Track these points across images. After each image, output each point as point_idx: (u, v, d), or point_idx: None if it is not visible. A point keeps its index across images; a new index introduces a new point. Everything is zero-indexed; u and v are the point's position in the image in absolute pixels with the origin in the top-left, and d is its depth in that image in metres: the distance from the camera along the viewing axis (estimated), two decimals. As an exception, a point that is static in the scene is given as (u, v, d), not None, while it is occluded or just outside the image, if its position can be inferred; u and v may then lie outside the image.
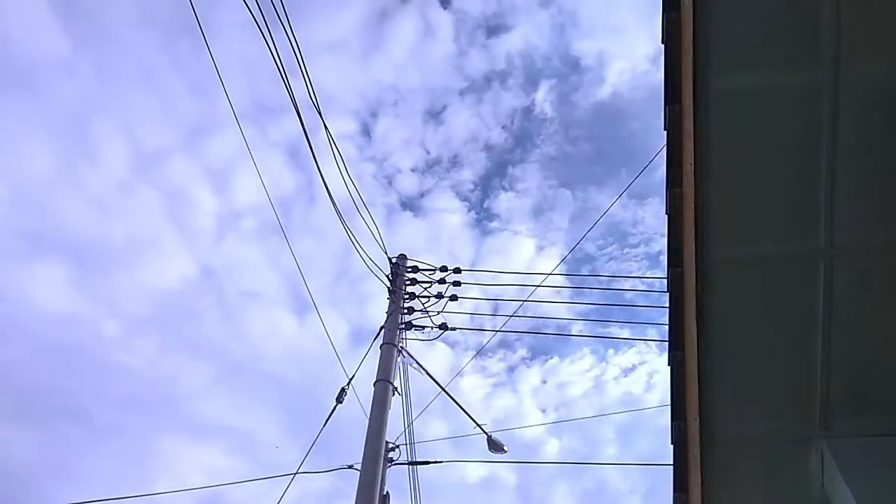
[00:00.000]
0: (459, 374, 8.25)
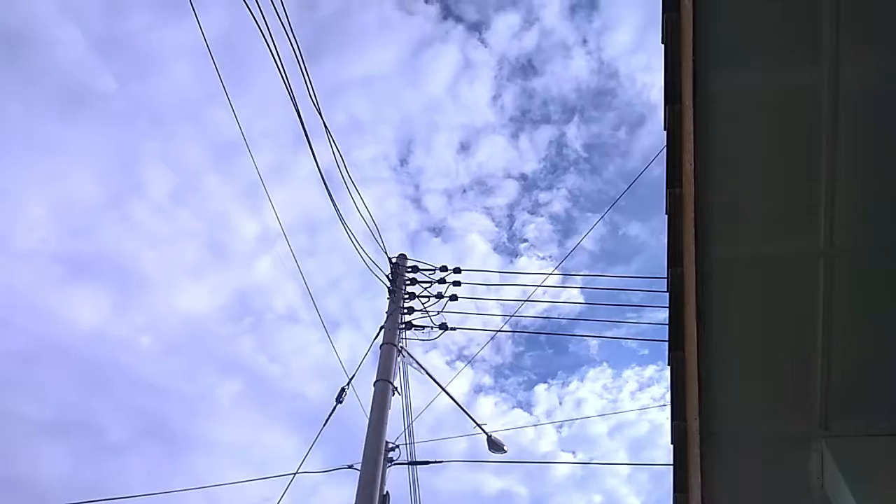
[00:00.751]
0: (459, 373, 8.24)
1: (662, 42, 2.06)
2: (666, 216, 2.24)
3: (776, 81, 1.93)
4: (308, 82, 6.09)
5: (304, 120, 6.13)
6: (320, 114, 6.43)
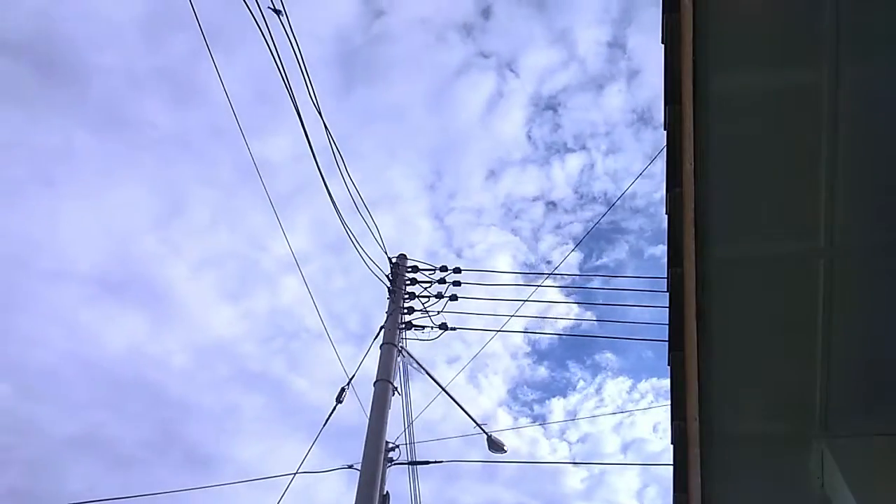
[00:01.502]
0: (460, 373, 8.24)
1: (662, 42, 2.06)
2: (666, 216, 2.24)
3: (776, 81, 1.93)
4: (308, 82, 6.09)
5: (303, 120, 6.13)
6: (320, 114, 6.43)
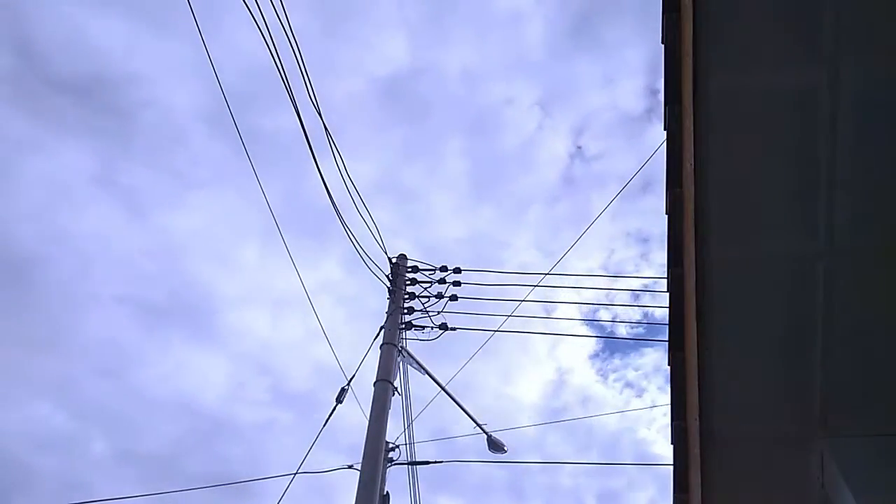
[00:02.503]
0: (459, 373, 8.24)
1: (662, 42, 2.06)
2: (666, 216, 2.24)
3: (776, 81, 1.93)
4: (308, 82, 6.09)
5: (299, 115, 6.13)
6: (320, 114, 6.43)
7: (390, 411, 7.05)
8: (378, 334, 7.73)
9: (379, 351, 7.55)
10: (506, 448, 7.94)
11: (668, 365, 2.41)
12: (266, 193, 7.02)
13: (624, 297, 8.28)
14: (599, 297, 8.37)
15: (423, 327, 8.13)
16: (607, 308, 8.42)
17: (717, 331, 2.23)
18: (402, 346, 7.77)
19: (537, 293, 8.27)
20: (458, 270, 8.58)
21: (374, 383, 7.22)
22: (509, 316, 8.28)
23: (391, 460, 7.13)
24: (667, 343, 2.41)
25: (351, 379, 7.49)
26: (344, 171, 7.15)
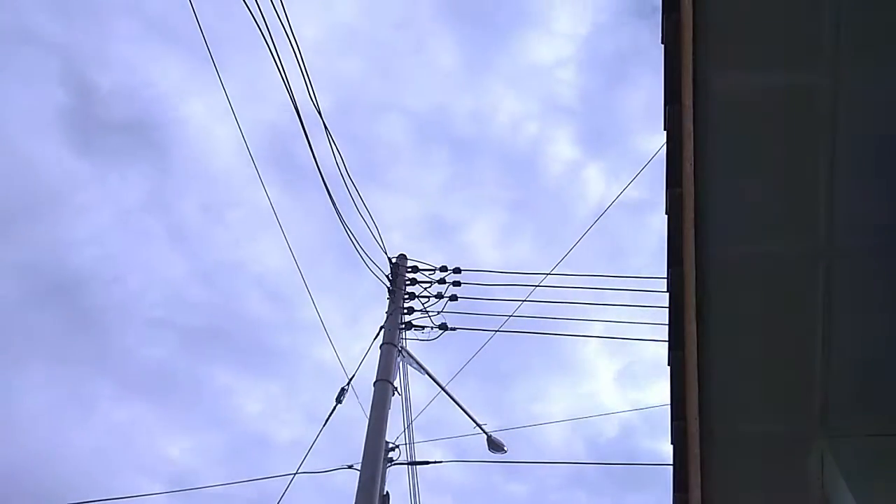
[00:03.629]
0: (459, 373, 8.24)
1: (662, 42, 2.06)
2: (666, 216, 2.24)
3: (776, 81, 1.93)
4: (307, 79, 6.09)
5: (299, 114, 6.13)
6: (320, 114, 6.43)
7: (390, 411, 7.05)
8: (378, 334, 7.73)
9: (379, 351, 7.55)
10: (506, 448, 7.94)
11: (668, 365, 2.42)
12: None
13: (624, 297, 8.27)
14: (600, 296, 8.36)
15: (423, 327, 8.13)
16: (607, 308, 8.41)
17: (717, 331, 2.23)
18: (401, 346, 7.77)
19: (538, 293, 8.27)
20: (457, 270, 8.58)
21: (374, 383, 7.22)
22: (510, 316, 8.28)
23: (391, 460, 7.14)
24: (667, 343, 2.41)
25: (351, 379, 7.50)
26: (344, 171, 7.15)
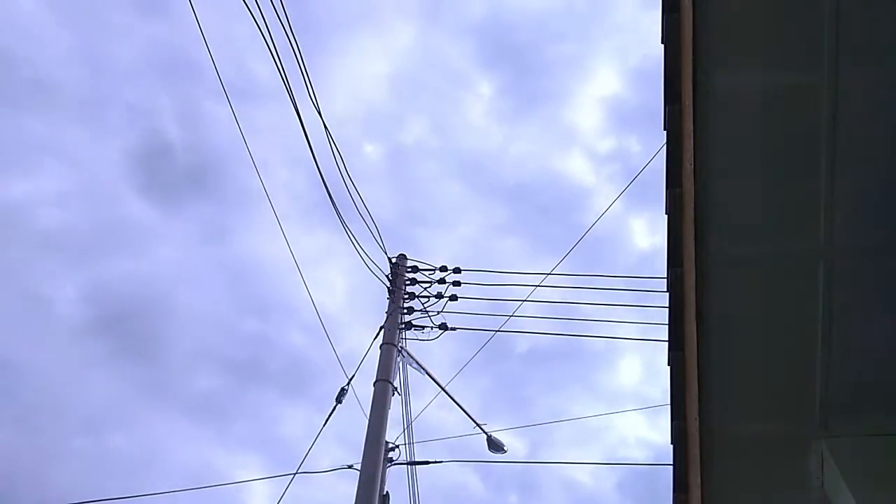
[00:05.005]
0: (459, 373, 8.25)
1: (662, 42, 2.06)
2: (666, 216, 2.24)
3: (776, 81, 1.93)
4: (306, 76, 6.09)
5: (298, 112, 6.13)
6: (320, 114, 6.43)
7: (390, 411, 7.05)
8: (378, 334, 7.73)
9: (379, 351, 7.55)
10: (505, 448, 7.94)
11: (668, 365, 2.41)
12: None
13: (624, 297, 8.27)
14: (599, 297, 8.36)
15: (423, 327, 8.13)
16: (607, 308, 8.41)
17: (717, 331, 2.23)
18: (401, 346, 7.77)
19: (539, 293, 8.26)
20: (457, 270, 8.58)
21: (374, 383, 7.22)
22: (510, 316, 8.28)
23: (391, 460, 7.14)
24: (666, 343, 2.41)
25: (351, 379, 7.50)
26: (344, 170, 7.15)
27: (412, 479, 7.63)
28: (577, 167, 19.22)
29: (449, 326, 8.20)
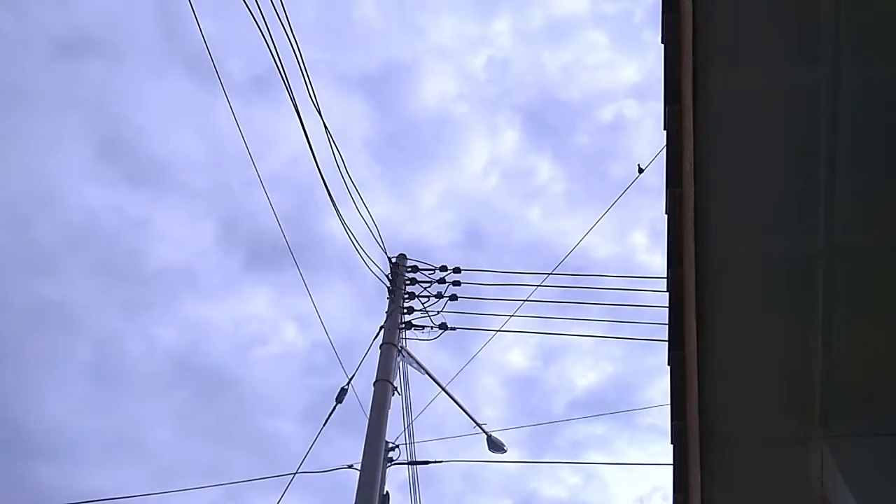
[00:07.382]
0: (459, 373, 8.25)
1: (662, 42, 2.05)
2: (666, 216, 2.24)
3: (776, 81, 1.93)
4: (305, 74, 6.09)
5: (298, 112, 6.13)
6: (320, 113, 6.43)
7: (390, 411, 7.05)
8: (378, 334, 7.73)
9: (378, 351, 7.55)
10: (506, 448, 7.93)
11: (668, 365, 2.41)
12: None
13: (624, 297, 8.27)
14: (599, 296, 8.36)
15: (423, 327, 8.13)
16: (606, 307, 8.41)
17: (717, 331, 2.23)
18: (401, 346, 7.77)
19: (540, 293, 8.26)
20: (457, 270, 8.58)
21: (374, 383, 7.22)
22: (511, 316, 8.28)
23: (391, 460, 7.14)
24: (666, 343, 2.40)
25: (351, 379, 7.50)
26: (344, 169, 7.15)
27: (412, 478, 7.64)
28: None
29: (449, 326, 8.19)
